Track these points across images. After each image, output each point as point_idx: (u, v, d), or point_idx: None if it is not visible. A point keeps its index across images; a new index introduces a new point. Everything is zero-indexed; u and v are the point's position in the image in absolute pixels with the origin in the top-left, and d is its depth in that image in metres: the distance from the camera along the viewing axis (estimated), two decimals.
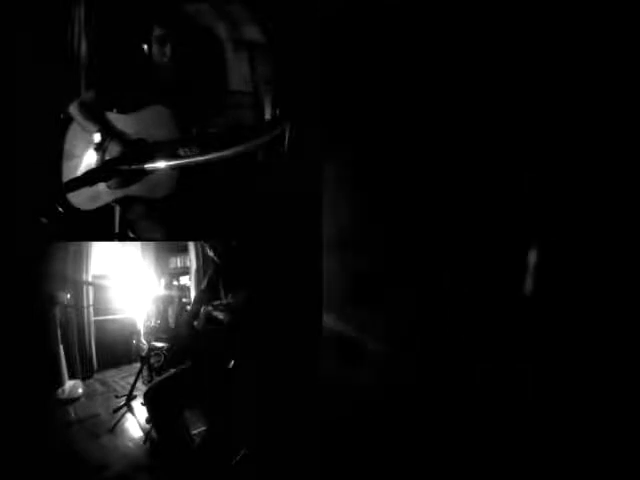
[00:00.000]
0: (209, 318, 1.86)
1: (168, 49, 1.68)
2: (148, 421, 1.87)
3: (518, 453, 1.33)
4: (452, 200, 1.44)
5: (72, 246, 2.32)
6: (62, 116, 1.69)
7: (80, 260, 2.52)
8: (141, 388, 2.17)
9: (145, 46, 1.69)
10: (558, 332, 1.36)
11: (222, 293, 1.90)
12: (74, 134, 1.68)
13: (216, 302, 1.87)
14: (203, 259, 2.25)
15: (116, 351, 2.66)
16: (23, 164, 1.67)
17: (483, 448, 1.33)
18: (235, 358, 1.76)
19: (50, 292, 2.25)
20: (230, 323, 1.79)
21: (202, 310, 1.90)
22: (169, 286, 2.50)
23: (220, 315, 1.82)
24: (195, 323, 1.94)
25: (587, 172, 1.34)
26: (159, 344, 2.26)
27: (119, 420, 2.07)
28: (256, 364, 1.68)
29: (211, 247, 1.90)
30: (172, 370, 1.91)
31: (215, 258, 1.89)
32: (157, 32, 1.67)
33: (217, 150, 1.48)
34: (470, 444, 1.34)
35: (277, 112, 1.78)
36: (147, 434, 1.88)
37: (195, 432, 1.83)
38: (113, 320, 2.70)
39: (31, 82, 1.73)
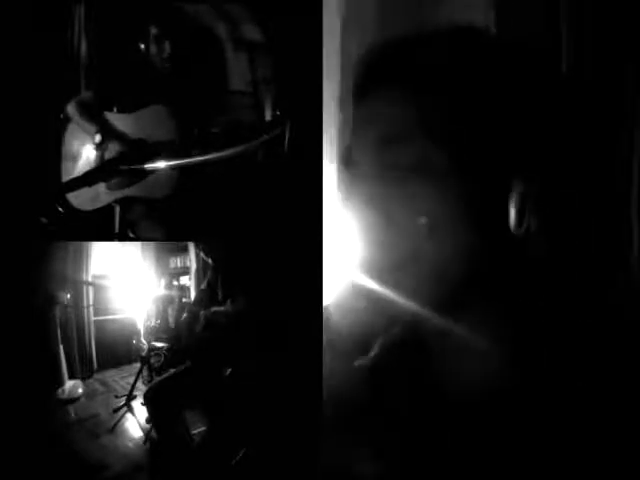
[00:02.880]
0: (209, 322, 1.86)
1: (167, 47, 1.67)
2: (148, 421, 1.87)
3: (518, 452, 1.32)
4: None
5: (72, 246, 2.32)
6: (61, 116, 1.69)
7: (80, 260, 2.51)
8: (141, 388, 2.17)
9: (142, 45, 1.69)
10: (559, 332, 1.36)
11: (220, 294, 1.90)
12: (72, 134, 1.68)
13: (215, 307, 1.87)
14: (203, 260, 2.25)
15: (116, 351, 2.66)
16: (23, 164, 1.67)
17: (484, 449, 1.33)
18: (235, 358, 1.76)
19: (50, 292, 2.25)
20: (230, 326, 1.79)
21: (202, 313, 1.89)
22: (169, 286, 2.50)
23: (220, 319, 1.82)
24: (195, 325, 1.94)
25: (586, 173, 1.34)
26: (159, 344, 2.26)
27: (119, 420, 2.06)
28: (256, 364, 1.68)
29: (202, 249, 1.89)
30: (172, 370, 1.91)
31: (208, 260, 1.89)
32: (154, 31, 1.66)
33: (217, 150, 1.48)
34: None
35: (277, 112, 1.77)
36: (147, 434, 1.88)
37: (195, 432, 1.83)
38: (113, 320, 2.70)
39: (31, 82, 1.73)
